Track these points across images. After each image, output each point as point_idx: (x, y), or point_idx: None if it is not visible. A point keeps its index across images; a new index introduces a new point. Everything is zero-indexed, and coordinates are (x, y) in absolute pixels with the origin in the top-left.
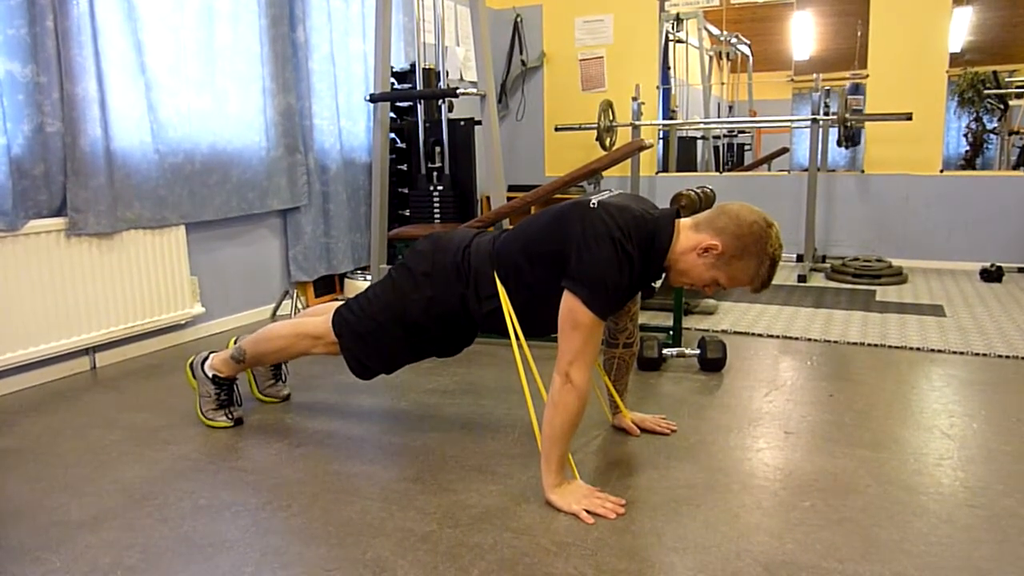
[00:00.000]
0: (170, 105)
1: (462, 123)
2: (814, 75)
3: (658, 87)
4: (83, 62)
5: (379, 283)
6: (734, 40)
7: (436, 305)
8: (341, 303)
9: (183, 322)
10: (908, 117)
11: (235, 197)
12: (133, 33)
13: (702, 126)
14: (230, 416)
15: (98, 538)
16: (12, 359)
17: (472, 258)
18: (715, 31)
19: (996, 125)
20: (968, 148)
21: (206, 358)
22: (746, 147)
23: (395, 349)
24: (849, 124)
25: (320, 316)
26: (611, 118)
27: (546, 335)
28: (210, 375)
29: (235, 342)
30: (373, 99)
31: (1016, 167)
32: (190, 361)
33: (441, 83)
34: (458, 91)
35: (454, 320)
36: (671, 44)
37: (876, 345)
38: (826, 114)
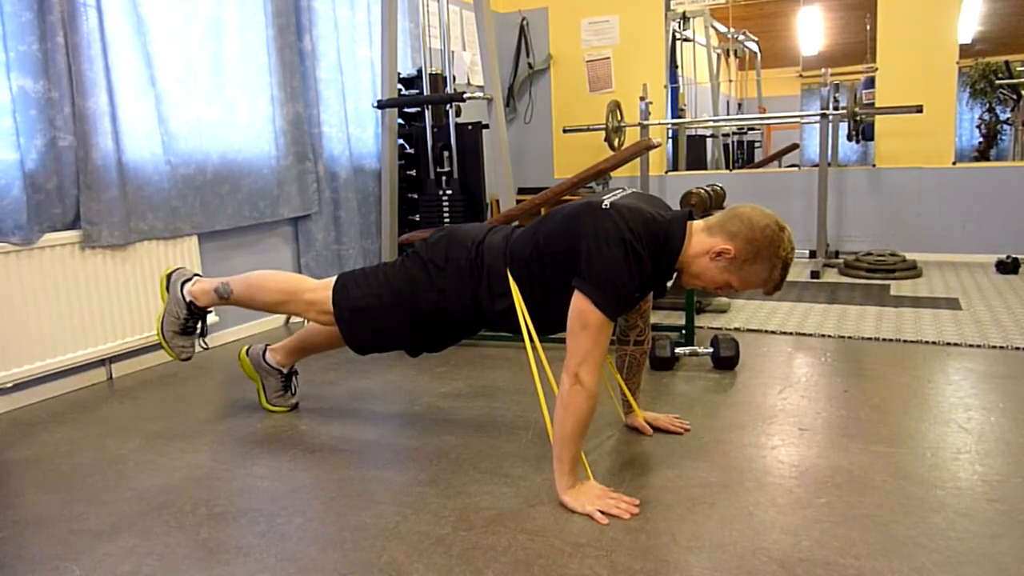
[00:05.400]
0: (180, 117)
1: (470, 127)
2: (823, 70)
3: (666, 86)
4: (94, 76)
5: (390, 265)
6: (741, 37)
7: (447, 300)
8: (345, 272)
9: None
10: (919, 110)
11: (246, 206)
12: (143, 47)
13: (711, 124)
14: (196, 346)
15: (116, 546)
16: (30, 371)
17: (485, 255)
18: (722, 28)
19: (1009, 115)
20: (981, 139)
21: (189, 279)
22: (756, 144)
23: (395, 334)
24: (859, 118)
25: (319, 281)
26: (619, 118)
27: (557, 332)
28: (187, 299)
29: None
30: (381, 105)
31: None
32: (168, 272)
33: (448, 88)
34: (465, 95)
35: (462, 316)
36: (678, 43)
37: (891, 340)
38: (835, 109)
